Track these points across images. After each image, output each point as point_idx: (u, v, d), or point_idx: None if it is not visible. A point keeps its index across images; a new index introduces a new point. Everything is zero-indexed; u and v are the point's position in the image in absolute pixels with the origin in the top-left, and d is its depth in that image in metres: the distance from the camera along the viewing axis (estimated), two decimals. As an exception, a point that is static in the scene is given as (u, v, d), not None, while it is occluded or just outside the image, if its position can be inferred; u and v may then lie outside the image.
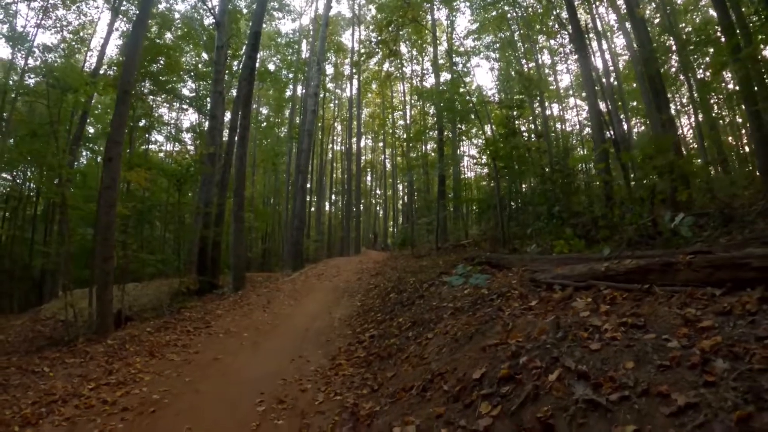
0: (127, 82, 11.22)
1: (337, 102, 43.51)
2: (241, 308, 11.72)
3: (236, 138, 16.70)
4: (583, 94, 25.77)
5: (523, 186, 17.48)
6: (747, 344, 2.52)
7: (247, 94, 16.32)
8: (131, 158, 17.74)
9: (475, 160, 22.70)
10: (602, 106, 14.82)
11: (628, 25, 17.61)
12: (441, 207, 20.56)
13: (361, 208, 43.19)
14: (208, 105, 28.71)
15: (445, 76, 29.60)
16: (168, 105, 32.45)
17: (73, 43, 26.90)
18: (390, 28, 21.50)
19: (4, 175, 24.43)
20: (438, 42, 29.69)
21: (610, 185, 8.89)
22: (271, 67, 34.12)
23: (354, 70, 36.34)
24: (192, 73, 28.82)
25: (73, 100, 16.04)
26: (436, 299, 7.75)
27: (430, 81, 31.71)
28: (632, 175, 10.04)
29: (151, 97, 24.43)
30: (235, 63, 27.09)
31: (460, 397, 3.27)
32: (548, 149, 18.52)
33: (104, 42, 24.14)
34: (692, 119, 17.43)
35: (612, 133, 13.05)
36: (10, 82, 23.71)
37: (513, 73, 27.63)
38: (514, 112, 15.27)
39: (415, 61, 33.99)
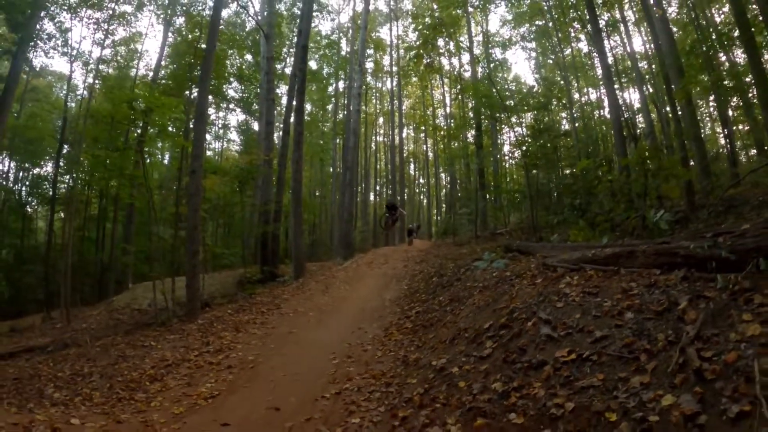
0: (202, 105, 13.27)
1: (378, 96, 44.39)
2: (303, 293, 13.53)
3: (292, 142, 18.52)
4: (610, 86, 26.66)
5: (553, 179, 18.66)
6: (651, 304, 4.10)
7: (300, 102, 18.00)
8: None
9: (508, 155, 23.56)
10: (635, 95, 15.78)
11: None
12: (480, 198, 21.90)
13: (405, 197, 44.17)
14: (255, 106, 30.92)
15: (483, 66, 30.60)
16: (215, 106, 34.07)
17: (124, 54, 29.17)
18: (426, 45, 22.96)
19: (65, 178, 26.17)
20: (474, 34, 30.81)
21: (616, 182, 10.18)
22: (313, 64, 35.49)
23: (395, 67, 37.60)
24: (237, 76, 30.56)
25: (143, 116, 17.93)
26: (470, 281, 9.31)
27: (467, 73, 32.49)
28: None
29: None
30: (278, 65, 28.78)
31: (475, 340, 4.99)
32: (576, 144, 19.64)
33: (159, 56, 26.26)
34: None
35: (632, 130, 14.26)
36: (62, 93, 26.15)
37: (549, 61, 28.63)
38: (540, 113, 16.50)
39: (452, 53, 34.76)
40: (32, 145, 25.43)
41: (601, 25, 18.01)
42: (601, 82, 26.95)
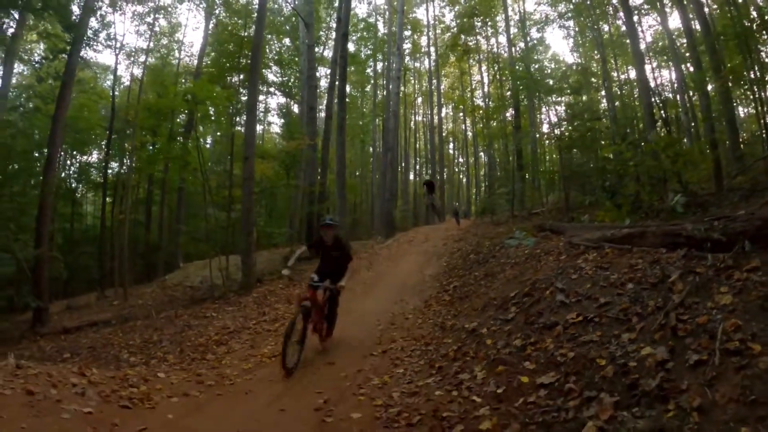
0: (252, 97, 14.37)
1: (416, 75, 44.53)
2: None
3: (335, 126, 19.46)
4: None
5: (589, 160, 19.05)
6: (649, 277, 4.86)
7: (341, 88, 18.84)
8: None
9: (546, 136, 23.77)
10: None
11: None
12: (517, 178, 22.44)
13: (445, 176, 44.64)
14: (293, 89, 31.81)
15: (521, 47, 30.87)
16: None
17: (166, 43, 30.39)
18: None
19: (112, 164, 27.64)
20: (511, 14, 30.90)
21: (641, 167, 10.71)
22: (351, 47, 35.97)
23: (432, 47, 37.93)
24: (278, 61, 31.31)
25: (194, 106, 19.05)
26: (503, 257, 10.09)
27: (505, 53, 32.50)
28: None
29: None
30: (317, 48, 29.42)
31: (502, 306, 5.86)
32: (612, 125, 19.90)
33: (203, 45, 27.37)
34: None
35: (664, 112, 14.66)
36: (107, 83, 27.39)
37: (587, 38, 28.43)
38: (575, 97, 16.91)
39: (489, 36, 34.75)
40: (80, 134, 26.54)
41: (633, 3, 18.14)
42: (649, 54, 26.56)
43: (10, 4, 17.03)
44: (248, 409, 4.77)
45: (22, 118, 22.52)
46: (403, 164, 41.81)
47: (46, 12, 17.48)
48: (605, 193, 12.15)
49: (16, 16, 18.35)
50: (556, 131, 16.05)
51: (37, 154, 22.74)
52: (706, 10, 17.23)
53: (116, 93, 25.86)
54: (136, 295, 18.16)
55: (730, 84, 13.79)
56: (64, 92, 16.44)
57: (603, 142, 16.34)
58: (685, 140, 18.59)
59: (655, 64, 27.26)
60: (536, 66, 29.98)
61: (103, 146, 28.83)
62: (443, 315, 7.74)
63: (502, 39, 32.67)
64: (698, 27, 15.93)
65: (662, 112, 14.39)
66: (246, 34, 23.77)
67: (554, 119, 21.23)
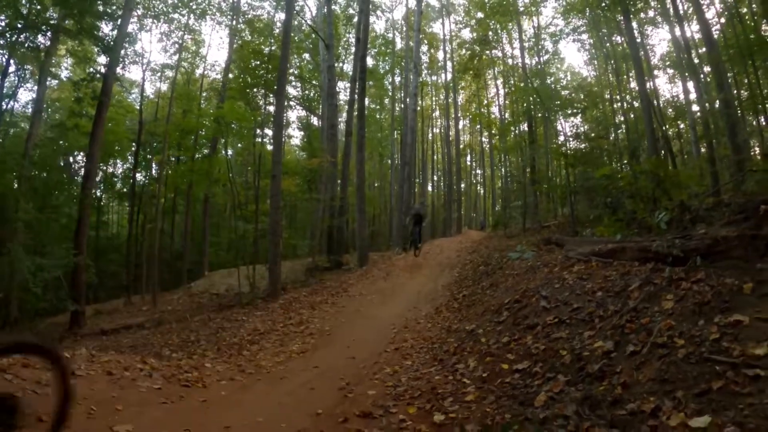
0: (279, 117, 15.63)
1: (433, 89, 45.23)
2: (367, 279, 15.59)
3: (354, 144, 20.61)
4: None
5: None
6: (614, 287, 5.82)
7: (361, 107, 19.98)
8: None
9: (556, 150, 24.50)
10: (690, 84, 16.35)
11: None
12: (530, 192, 23.34)
13: (462, 188, 45.31)
14: (313, 102, 32.99)
15: (535, 60, 31.43)
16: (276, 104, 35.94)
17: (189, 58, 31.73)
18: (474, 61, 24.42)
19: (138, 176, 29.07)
20: (525, 28, 31.80)
21: (634, 186, 11.59)
22: (369, 61, 37.03)
23: (449, 62, 38.74)
24: (298, 76, 32.53)
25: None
26: (509, 269, 11.08)
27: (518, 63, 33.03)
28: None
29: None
30: (337, 63, 30.57)
31: (497, 311, 6.89)
32: (624, 139, 20.67)
33: (227, 63, 28.67)
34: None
35: (662, 124, 15.44)
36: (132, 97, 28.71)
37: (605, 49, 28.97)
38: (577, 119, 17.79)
39: (502, 58, 35.39)
40: (106, 146, 27.78)
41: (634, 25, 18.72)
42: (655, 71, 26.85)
43: (44, 26, 18.43)
44: (285, 389, 5.85)
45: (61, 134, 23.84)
46: (420, 177, 42.67)
47: (81, 35, 18.84)
48: (607, 208, 13.07)
49: (49, 35, 19.81)
50: (563, 148, 16.93)
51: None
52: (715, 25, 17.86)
53: (138, 106, 27.18)
54: (164, 302, 19.35)
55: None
56: (101, 112, 17.82)
57: (606, 159, 17.16)
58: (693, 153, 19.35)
59: (665, 78, 27.79)
60: (551, 79, 30.75)
61: (129, 158, 30.34)
62: (450, 320, 8.75)
63: (517, 53, 33.39)
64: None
65: (662, 127, 15.18)
66: (268, 50, 25.07)
67: (569, 132, 22.10)
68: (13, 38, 19.49)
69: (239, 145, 31.96)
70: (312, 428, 4.32)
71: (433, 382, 5.14)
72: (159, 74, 30.54)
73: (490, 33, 31.11)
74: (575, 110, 21.42)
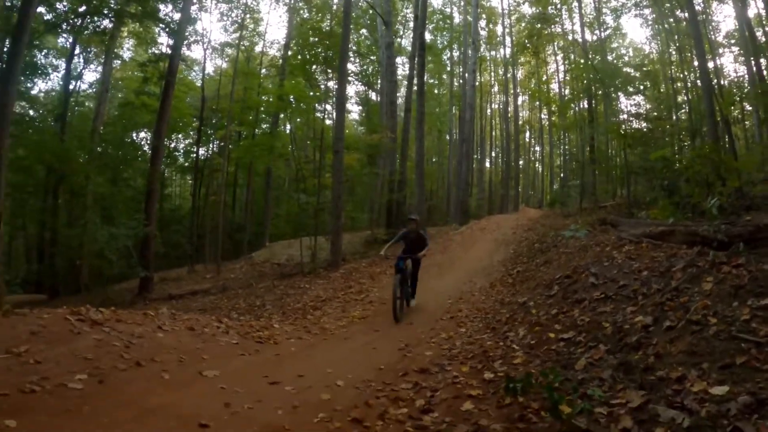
0: (341, 95, 16.27)
1: (492, 64, 44.48)
2: (424, 252, 16.19)
3: (414, 120, 21.09)
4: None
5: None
6: (660, 268, 6.21)
7: (420, 84, 20.32)
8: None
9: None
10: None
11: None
12: (588, 171, 23.28)
13: (520, 165, 45.09)
14: (371, 77, 33.42)
15: (596, 34, 30.80)
16: (335, 80, 36.40)
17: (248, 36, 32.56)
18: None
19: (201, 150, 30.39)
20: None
21: (690, 170, 11.62)
22: (427, 36, 36.80)
23: (507, 37, 38.30)
24: (356, 52, 32.71)
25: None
26: (563, 247, 11.45)
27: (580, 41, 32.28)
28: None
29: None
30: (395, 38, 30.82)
31: (548, 285, 7.38)
32: (686, 119, 20.28)
33: (287, 41, 29.38)
34: None
35: (723, 106, 15.16)
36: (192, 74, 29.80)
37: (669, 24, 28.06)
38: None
39: (565, 17, 34.42)
40: (170, 122, 29.11)
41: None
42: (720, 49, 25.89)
43: (108, 10, 19.57)
44: (349, 347, 6.56)
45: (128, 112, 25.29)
46: (478, 153, 42.59)
47: (145, 19, 19.95)
48: (664, 191, 13.18)
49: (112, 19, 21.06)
50: (623, 128, 16.89)
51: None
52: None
53: (203, 85, 28.22)
54: (227, 270, 20.34)
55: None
56: (168, 91, 18.87)
57: (667, 140, 17.03)
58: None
59: (731, 56, 26.90)
60: (612, 55, 30.16)
61: (190, 133, 31.76)
62: (504, 293, 9.28)
63: (577, 28, 32.46)
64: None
65: (723, 109, 14.96)
66: (326, 26, 25.59)
67: (629, 111, 21.81)
68: (78, 23, 20.82)
69: (298, 120, 32.87)
70: (375, 379, 4.94)
71: (485, 346, 5.70)
72: (219, 52, 31.75)
73: (550, 8, 30.61)
74: (636, 89, 21.05)
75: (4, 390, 3.65)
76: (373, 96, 35.48)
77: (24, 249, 29.84)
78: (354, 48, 32.39)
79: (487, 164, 47.80)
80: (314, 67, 24.58)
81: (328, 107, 33.24)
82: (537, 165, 53.10)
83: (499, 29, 40.13)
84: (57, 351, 4.55)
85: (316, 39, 23.76)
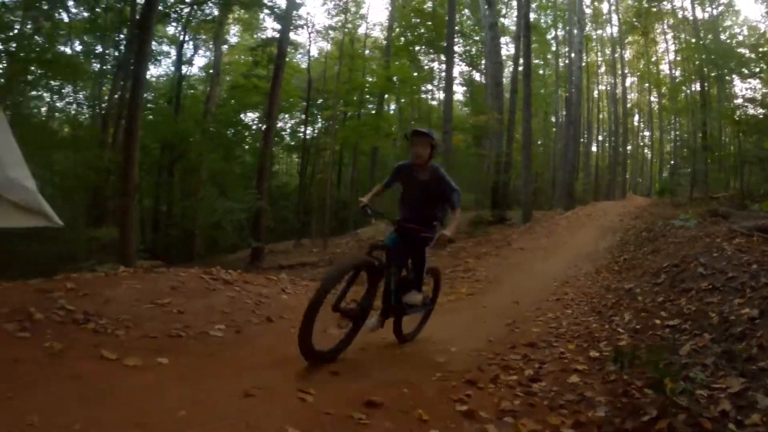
0: (449, 77, 16.79)
1: (598, 44, 43.25)
2: (530, 235, 16.48)
3: (520, 102, 21.20)
4: None
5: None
6: (775, 259, 6.32)
7: (526, 66, 20.42)
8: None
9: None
10: None
11: None
12: (700, 160, 22.41)
13: (628, 150, 43.76)
14: (474, 58, 33.42)
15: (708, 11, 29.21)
16: (438, 61, 36.72)
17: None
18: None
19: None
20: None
21: None
22: (531, 15, 36.15)
23: (614, 15, 37.02)
24: (459, 32, 32.73)
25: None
26: (672, 236, 11.41)
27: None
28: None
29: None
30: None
31: (655, 273, 7.59)
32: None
33: (390, 22, 29.88)
34: None
35: None
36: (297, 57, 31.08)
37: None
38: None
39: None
40: None
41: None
42: None
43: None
44: (458, 320, 7.14)
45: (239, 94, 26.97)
46: (585, 136, 41.60)
47: (253, 5, 21.12)
48: (780, 184, 12.78)
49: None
50: (737, 113, 16.17)
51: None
52: None
53: (304, 64, 29.47)
54: (333, 245, 21.37)
55: None
56: (278, 73, 19.98)
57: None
58: None
59: None
60: (726, 34, 28.61)
61: (296, 114, 33.23)
62: (610, 280, 9.50)
63: (687, 4, 30.89)
64: None
65: None
66: (429, 6, 25.81)
67: (745, 95, 20.72)
68: (185, 12, 22.38)
69: (402, 100, 33.40)
70: (486, 349, 5.41)
71: (590, 328, 6.08)
72: (324, 35, 32.80)
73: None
74: (752, 71, 19.87)
75: (154, 333, 4.55)
76: (476, 77, 35.47)
77: (139, 220, 32.50)
78: (457, 28, 32.49)
79: (594, 148, 46.52)
80: (418, 47, 25.04)
81: (430, 87, 33.76)
82: (646, 151, 51.18)
83: (605, 6, 38.72)
84: (196, 304, 5.50)
85: (419, 20, 24.17)
